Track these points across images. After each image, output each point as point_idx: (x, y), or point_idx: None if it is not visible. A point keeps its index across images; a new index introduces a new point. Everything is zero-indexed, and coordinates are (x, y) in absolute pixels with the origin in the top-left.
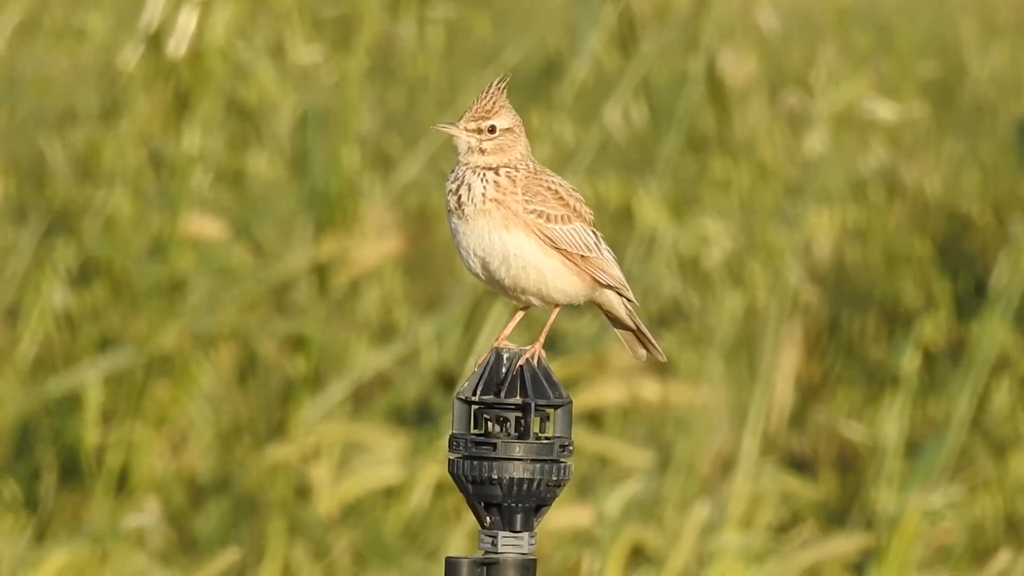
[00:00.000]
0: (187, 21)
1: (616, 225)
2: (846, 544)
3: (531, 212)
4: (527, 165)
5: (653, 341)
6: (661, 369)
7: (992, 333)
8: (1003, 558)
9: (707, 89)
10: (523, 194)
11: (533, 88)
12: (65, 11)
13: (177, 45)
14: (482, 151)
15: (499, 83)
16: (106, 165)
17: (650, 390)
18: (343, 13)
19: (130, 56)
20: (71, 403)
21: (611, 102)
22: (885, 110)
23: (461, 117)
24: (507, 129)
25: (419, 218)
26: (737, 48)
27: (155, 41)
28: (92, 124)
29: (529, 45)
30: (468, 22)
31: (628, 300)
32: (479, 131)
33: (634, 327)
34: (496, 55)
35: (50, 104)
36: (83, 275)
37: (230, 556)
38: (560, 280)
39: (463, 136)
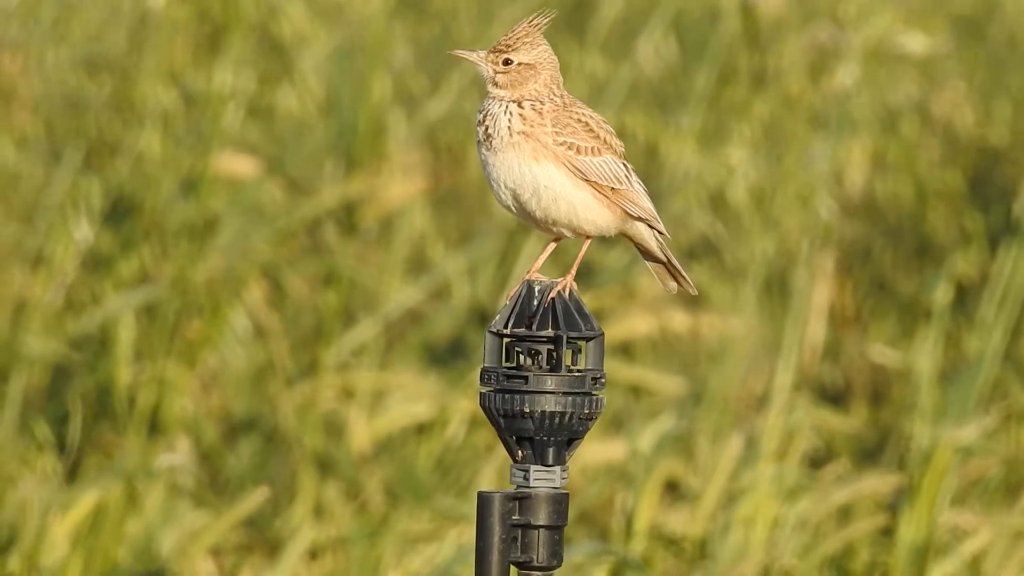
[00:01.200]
0: None
1: (646, 159)
2: (879, 483)
3: (561, 144)
4: (553, 98)
5: (684, 274)
6: (692, 302)
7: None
8: None
9: (740, 22)
10: (552, 126)
11: (565, 23)
12: None
13: None
14: (495, 83)
15: (534, 19)
16: (138, 103)
17: (681, 322)
18: None
19: None
20: (102, 342)
21: (643, 37)
22: (915, 43)
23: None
24: (526, 64)
25: (449, 154)
26: None
27: None
28: (123, 63)
29: None
30: None
31: (659, 232)
32: (495, 63)
33: (665, 259)
34: None
35: (82, 44)
36: (114, 214)
37: (261, 495)
38: (591, 212)
39: (481, 63)
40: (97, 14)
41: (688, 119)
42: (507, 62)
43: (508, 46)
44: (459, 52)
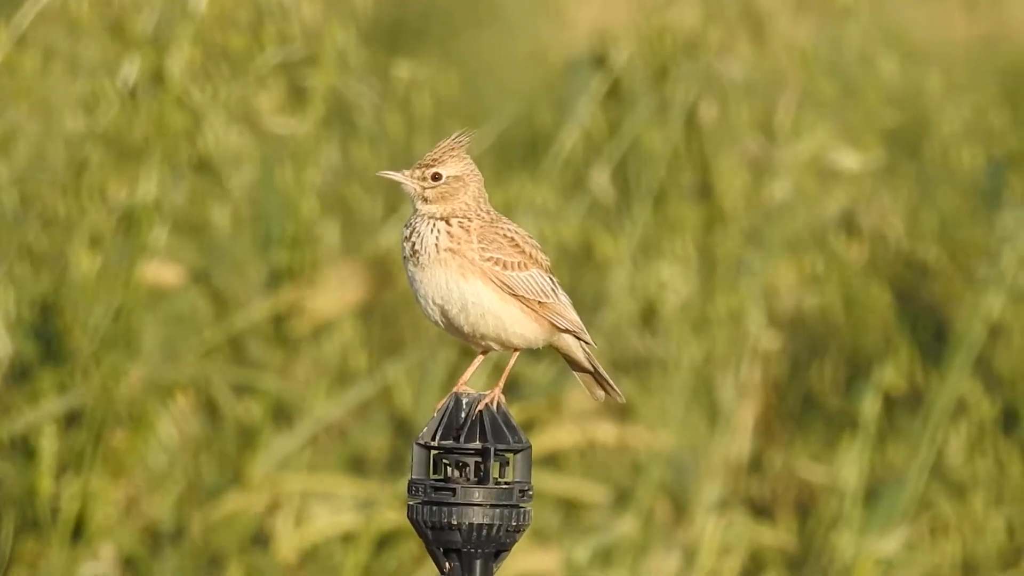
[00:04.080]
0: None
1: (576, 270)
2: None
3: (488, 260)
4: (480, 214)
5: (611, 382)
6: (620, 414)
7: (952, 378)
8: None
9: (686, 140)
10: (479, 242)
11: (518, 158)
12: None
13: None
14: (425, 199)
15: (458, 136)
16: (66, 218)
17: (607, 433)
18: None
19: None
20: (26, 452)
21: (598, 168)
22: (849, 160)
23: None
24: (455, 176)
25: (379, 267)
26: (711, 99)
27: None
28: (58, 179)
29: (513, 112)
30: (435, 83)
31: (586, 343)
32: (423, 178)
33: (592, 369)
34: (474, 122)
35: (19, 159)
36: (43, 326)
37: None
38: (519, 326)
39: (407, 182)
40: (40, 133)
41: (626, 234)
42: (436, 176)
43: (435, 160)
44: (385, 173)
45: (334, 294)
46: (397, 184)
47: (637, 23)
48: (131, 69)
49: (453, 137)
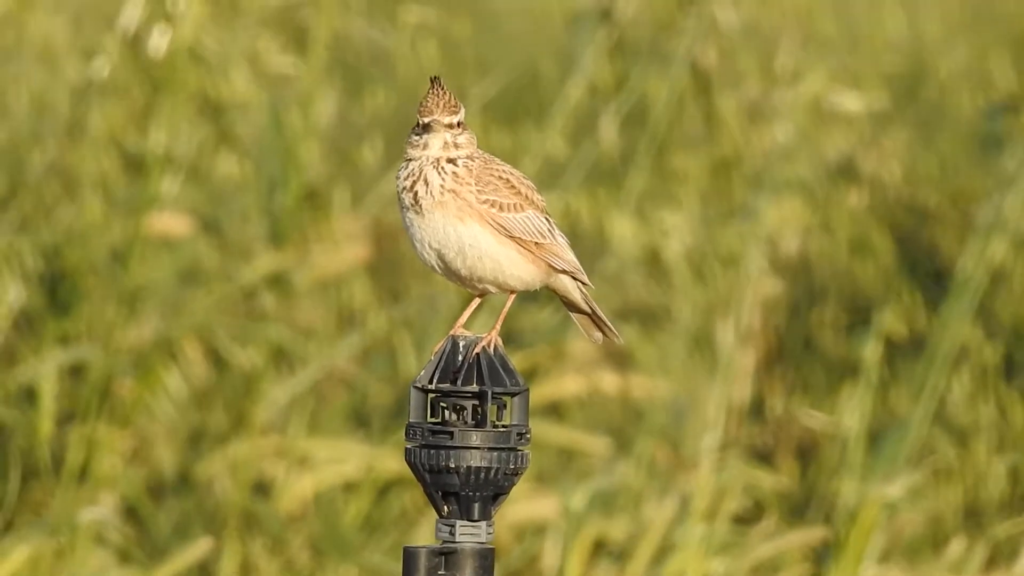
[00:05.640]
0: (163, 24)
1: (581, 225)
2: (805, 537)
3: (484, 202)
4: (475, 156)
5: (609, 324)
6: (622, 363)
7: (953, 324)
8: (957, 547)
9: (690, 80)
10: (476, 184)
11: (523, 104)
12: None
13: (156, 46)
14: (456, 145)
15: (436, 80)
16: (76, 167)
17: (609, 382)
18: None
19: (106, 59)
20: (33, 402)
21: (605, 119)
22: (850, 102)
23: (425, 112)
24: (461, 121)
25: (383, 225)
26: (704, 43)
27: (132, 43)
28: (64, 130)
29: (519, 62)
30: (447, 28)
31: (583, 284)
32: (450, 126)
33: (589, 311)
34: (485, 71)
35: (25, 112)
36: (51, 275)
37: (197, 550)
38: (516, 268)
39: (448, 138)
40: (41, 83)
41: (628, 185)
42: (459, 123)
43: (455, 106)
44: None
45: (339, 252)
46: (403, 133)
47: None
48: (132, 14)
49: (436, 82)
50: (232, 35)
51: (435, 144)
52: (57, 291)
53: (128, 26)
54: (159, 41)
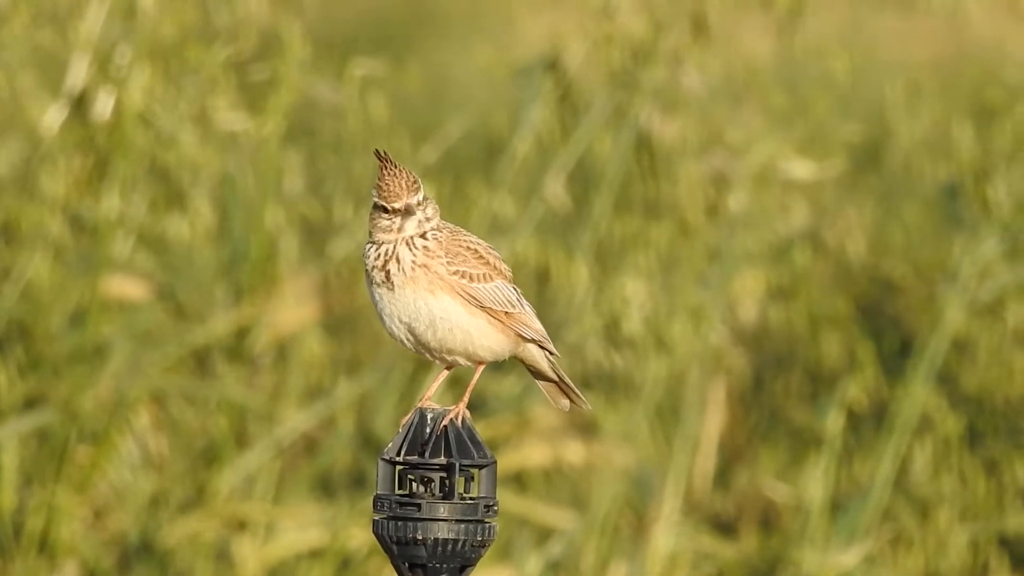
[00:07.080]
0: (110, 87)
1: (540, 286)
2: None
3: (455, 273)
4: (442, 228)
5: (576, 390)
6: (586, 432)
7: (915, 394)
8: None
9: (636, 152)
10: (446, 256)
11: (474, 164)
12: None
13: (102, 110)
14: (427, 219)
15: (385, 156)
16: (26, 230)
17: (574, 451)
18: (268, 77)
19: (53, 122)
20: None
21: (552, 175)
22: (800, 169)
23: (392, 197)
24: (426, 194)
25: (337, 280)
26: (664, 110)
27: (77, 106)
28: (12, 190)
29: (469, 120)
30: (396, 82)
31: (549, 352)
32: (419, 204)
33: (556, 378)
34: (433, 129)
35: None
36: (5, 340)
37: None
38: (486, 338)
39: (420, 217)
40: None
41: (583, 248)
42: (425, 199)
43: (415, 183)
44: (402, 221)
45: (293, 309)
46: (357, 190)
47: (587, 28)
48: (77, 75)
49: (386, 158)
50: (180, 93)
51: (410, 227)
52: (11, 356)
53: (73, 89)
54: (104, 105)
